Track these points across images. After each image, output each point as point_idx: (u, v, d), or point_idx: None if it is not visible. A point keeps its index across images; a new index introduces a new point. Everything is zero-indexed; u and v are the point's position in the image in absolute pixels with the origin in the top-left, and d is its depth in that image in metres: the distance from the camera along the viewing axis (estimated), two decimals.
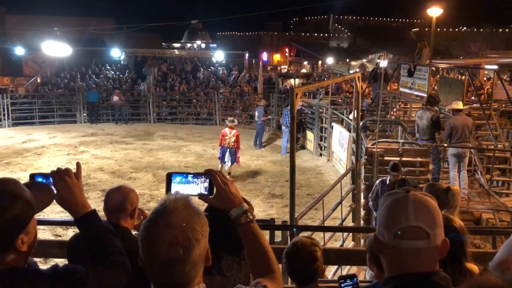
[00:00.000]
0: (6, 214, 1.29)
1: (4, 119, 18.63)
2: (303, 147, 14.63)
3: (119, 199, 2.43)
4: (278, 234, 4.99)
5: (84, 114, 19.75)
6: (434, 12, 19.65)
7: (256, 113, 15.51)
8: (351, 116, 12.19)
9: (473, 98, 13.65)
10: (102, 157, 13.49)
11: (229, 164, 11.31)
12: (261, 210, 9.19)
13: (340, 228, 5.61)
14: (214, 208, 1.54)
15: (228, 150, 11.28)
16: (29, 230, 1.37)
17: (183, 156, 13.84)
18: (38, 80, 23.82)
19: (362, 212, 7.31)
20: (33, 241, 1.40)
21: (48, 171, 1.71)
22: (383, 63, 12.68)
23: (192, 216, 1.20)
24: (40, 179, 1.64)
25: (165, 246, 1.15)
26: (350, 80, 13.58)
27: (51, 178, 1.64)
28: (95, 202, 9.56)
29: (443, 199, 3.03)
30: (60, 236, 7.33)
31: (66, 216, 8.53)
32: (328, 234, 5.89)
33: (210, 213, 1.47)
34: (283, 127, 14.31)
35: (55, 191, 1.63)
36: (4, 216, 1.29)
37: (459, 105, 8.52)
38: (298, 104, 4.80)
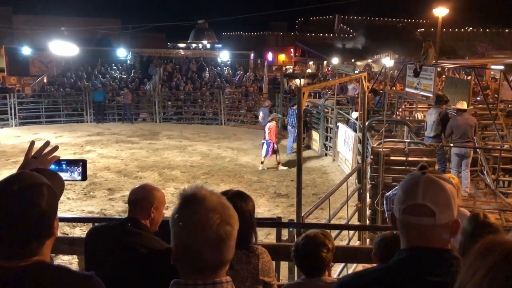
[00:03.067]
0: (42, 202, 1.35)
1: (11, 119, 18.77)
2: (308, 147, 14.63)
3: (140, 194, 2.43)
4: (284, 233, 5.03)
5: (90, 114, 19.86)
6: (440, 12, 19.62)
7: (261, 114, 15.50)
8: (353, 115, 12.23)
9: (477, 98, 13.62)
10: (108, 156, 13.56)
11: (264, 153, 12.17)
12: (266, 210, 9.21)
13: (346, 226, 5.62)
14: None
15: (264, 142, 12.19)
16: (56, 215, 1.43)
17: (189, 155, 13.89)
18: (45, 80, 23.96)
19: (368, 212, 7.31)
20: (58, 224, 1.47)
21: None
22: (389, 62, 12.66)
23: (221, 198, 1.34)
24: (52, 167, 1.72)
25: (214, 227, 1.26)
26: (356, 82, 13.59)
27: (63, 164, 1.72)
28: (102, 201, 9.63)
29: None
30: (67, 234, 7.39)
31: (72, 213, 8.51)
32: (333, 234, 5.91)
33: None
34: (289, 127, 14.37)
35: (63, 178, 1.69)
36: (41, 204, 1.35)
37: (463, 105, 8.55)
38: (304, 103, 4.82)
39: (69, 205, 9.18)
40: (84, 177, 1.77)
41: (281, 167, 12.21)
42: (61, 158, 1.75)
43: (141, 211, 2.40)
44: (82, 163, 1.78)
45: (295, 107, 15.65)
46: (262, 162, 12.29)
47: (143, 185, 2.51)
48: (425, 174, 1.41)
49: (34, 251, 1.35)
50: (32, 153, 1.70)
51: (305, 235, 2.64)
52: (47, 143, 1.74)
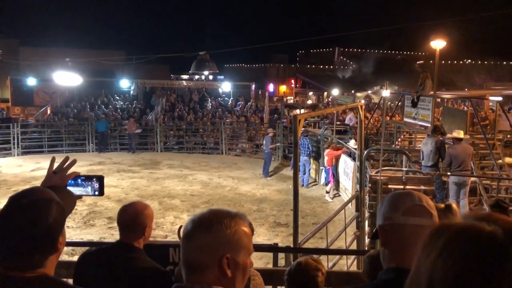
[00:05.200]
0: (49, 218, 1.41)
1: (14, 148, 18.92)
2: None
3: (132, 215, 2.43)
4: (282, 262, 5.04)
5: (92, 144, 20.02)
6: (438, 44, 20.01)
7: (264, 142, 15.60)
8: (351, 143, 12.35)
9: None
10: (109, 185, 13.60)
11: (323, 181, 12.28)
12: (266, 239, 9.19)
13: (343, 251, 5.62)
14: None
15: (324, 169, 12.26)
16: (63, 231, 1.49)
17: (189, 184, 13.93)
18: (48, 111, 24.27)
19: (367, 240, 7.31)
20: (65, 241, 1.52)
21: None
22: (386, 93, 12.86)
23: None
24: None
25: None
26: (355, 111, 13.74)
27: (78, 180, 1.80)
28: (101, 229, 9.63)
29: (443, 217, 3.04)
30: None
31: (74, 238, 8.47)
32: (331, 262, 5.91)
33: None
34: (304, 158, 13.73)
35: (76, 194, 1.76)
36: (48, 220, 1.40)
37: (460, 134, 8.65)
38: (300, 131, 4.92)
39: (69, 233, 9.17)
40: (101, 192, 1.83)
41: (328, 197, 12.01)
42: (80, 174, 1.83)
43: (134, 234, 2.42)
44: (100, 179, 1.84)
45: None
46: (327, 192, 12.06)
47: (133, 207, 2.49)
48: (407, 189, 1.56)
49: (37, 264, 1.41)
50: (53, 168, 1.78)
51: (296, 263, 2.66)
52: (66, 158, 1.81)
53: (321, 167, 12.49)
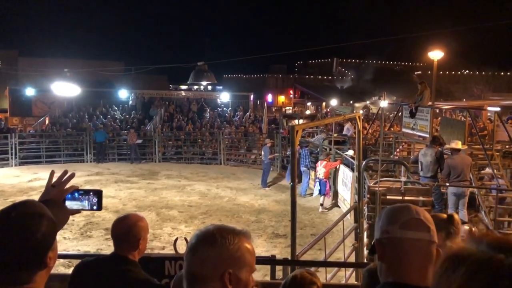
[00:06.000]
0: (37, 233, 1.36)
1: (11, 158, 18.86)
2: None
3: (126, 228, 2.41)
4: (279, 274, 4.98)
5: (90, 154, 19.97)
6: (435, 55, 20.11)
7: (263, 153, 15.58)
8: (349, 153, 12.32)
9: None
10: (107, 196, 13.53)
11: (316, 193, 12.04)
12: (264, 250, 9.11)
13: (341, 264, 5.56)
14: None
15: (319, 181, 11.98)
16: (54, 246, 1.44)
17: (187, 195, 13.86)
18: (47, 121, 24.25)
19: (365, 252, 7.24)
20: (56, 256, 1.48)
21: None
22: (384, 103, 12.88)
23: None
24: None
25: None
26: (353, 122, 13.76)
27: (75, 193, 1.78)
28: (98, 241, 9.54)
29: (445, 228, 2.99)
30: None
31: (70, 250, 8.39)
32: (329, 275, 5.84)
33: None
34: (304, 168, 13.86)
35: (73, 208, 1.75)
36: (36, 235, 1.36)
37: (458, 144, 8.64)
38: (298, 141, 4.90)
39: (65, 245, 9.10)
40: (99, 207, 1.81)
41: (322, 209, 11.94)
42: (79, 188, 1.80)
43: (128, 246, 2.40)
44: (98, 194, 1.82)
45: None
46: (321, 204, 11.97)
47: (127, 219, 2.47)
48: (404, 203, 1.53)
49: (24, 279, 1.36)
50: (52, 182, 1.75)
51: (291, 276, 2.63)
52: (65, 172, 1.79)
53: (316, 180, 12.31)
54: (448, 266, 0.70)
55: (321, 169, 12.06)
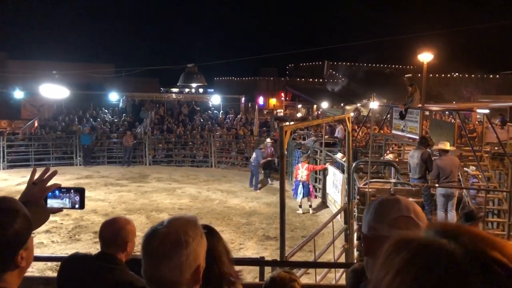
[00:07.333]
0: (9, 229, 1.32)
1: (0, 161, 18.64)
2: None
3: (114, 231, 2.42)
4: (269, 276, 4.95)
5: (79, 157, 19.81)
6: (425, 57, 20.19)
7: (254, 155, 15.49)
8: (338, 156, 12.35)
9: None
10: (96, 199, 13.42)
11: (300, 196, 11.95)
12: (254, 253, 9.08)
13: (331, 264, 5.54)
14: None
15: (301, 183, 11.93)
16: (28, 245, 1.39)
17: (177, 198, 13.79)
18: (36, 124, 24.02)
19: (356, 253, 7.24)
20: (31, 257, 1.43)
21: None
22: (374, 105, 12.93)
23: (187, 223, 1.32)
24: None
25: (156, 241, 1.25)
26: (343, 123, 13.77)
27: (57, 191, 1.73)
28: (87, 244, 9.44)
29: None
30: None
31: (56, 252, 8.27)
32: (319, 276, 5.82)
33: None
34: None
35: (54, 206, 1.70)
36: (7, 232, 1.31)
37: (446, 145, 8.67)
38: (287, 142, 4.88)
39: (53, 248, 8.99)
40: (81, 205, 1.76)
41: (300, 210, 12.04)
42: (61, 185, 1.75)
43: (116, 248, 2.40)
44: (80, 191, 1.77)
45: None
46: (310, 206, 12.07)
47: (115, 223, 2.48)
48: (395, 195, 1.46)
49: None
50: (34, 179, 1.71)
51: (270, 279, 2.61)
52: (46, 170, 1.75)
53: (295, 182, 12.19)
54: (392, 251, 0.68)
55: (303, 171, 11.99)
